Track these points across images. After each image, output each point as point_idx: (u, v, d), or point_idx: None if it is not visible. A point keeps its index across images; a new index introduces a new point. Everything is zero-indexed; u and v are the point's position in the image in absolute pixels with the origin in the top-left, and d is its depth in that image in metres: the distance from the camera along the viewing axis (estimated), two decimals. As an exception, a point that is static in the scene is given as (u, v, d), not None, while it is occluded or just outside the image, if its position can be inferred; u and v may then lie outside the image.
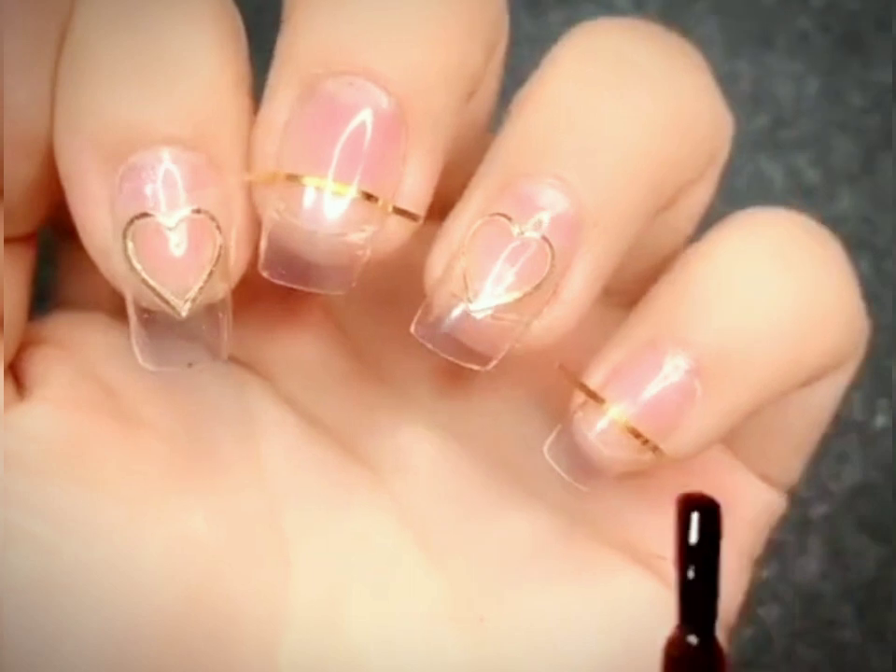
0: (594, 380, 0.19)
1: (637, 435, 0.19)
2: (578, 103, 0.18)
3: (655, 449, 0.19)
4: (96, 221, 0.17)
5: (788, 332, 0.19)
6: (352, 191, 0.17)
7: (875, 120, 0.33)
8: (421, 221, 0.18)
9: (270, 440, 0.21)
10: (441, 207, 0.19)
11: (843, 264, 0.20)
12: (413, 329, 0.18)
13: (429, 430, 0.22)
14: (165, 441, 0.20)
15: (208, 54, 0.17)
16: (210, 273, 0.17)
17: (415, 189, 0.18)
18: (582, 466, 0.19)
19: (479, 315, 0.18)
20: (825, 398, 0.21)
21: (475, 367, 0.18)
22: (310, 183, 0.17)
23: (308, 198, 0.17)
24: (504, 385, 0.23)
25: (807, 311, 0.19)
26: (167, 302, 0.17)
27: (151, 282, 0.17)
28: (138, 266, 0.17)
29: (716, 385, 0.19)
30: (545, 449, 0.20)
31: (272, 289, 0.18)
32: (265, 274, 0.18)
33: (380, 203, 0.17)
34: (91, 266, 0.20)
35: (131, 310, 0.17)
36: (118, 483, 0.19)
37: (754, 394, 0.19)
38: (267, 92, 0.18)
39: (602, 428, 0.19)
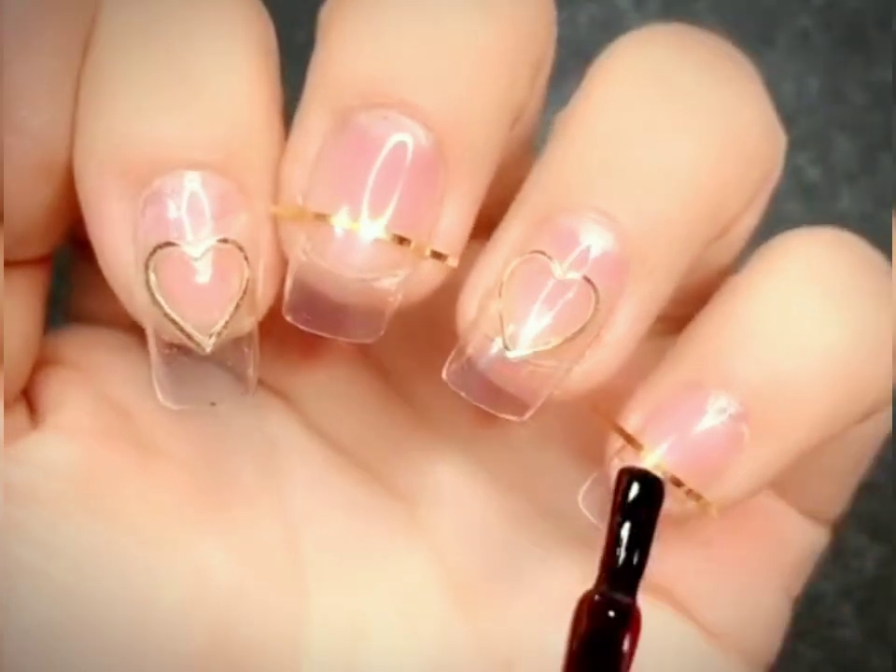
0: (632, 423, 0.18)
1: (679, 483, 0.17)
2: (624, 131, 0.17)
3: (698, 498, 0.18)
4: (117, 249, 0.16)
5: (841, 372, 0.17)
6: (383, 234, 0.16)
7: (876, 119, 0.33)
8: (456, 264, 0.17)
9: (292, 468, 0.20)
10: (480, 226, 0.17)
11: (893, 293, 0.18)
12: (444, 374, 0.17)
13: (461, 464, 0.21)
14: (183, 471, 0.19)
15: (239, 72, 0.16)
16: (237, 307, 0.16)
17: (452, 231, 0.16)
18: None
19: (516, 360, 0.16)
20: (874, 430, 0.20)
21: (511, 417, 0.17)
22: (338, 224, 0.16)
23: (336, 240, 0.16)
24: (542, 421, 0.21)
25: (861, 348, 0.18)
26: (190, 337, 0.16)
27: (174, 315, 0.16)
28: (160, 299, 0.16)
29: (765, 430, 0.17)
30: (579, 498, 0.18)
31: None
32: (289, 318, 0.17)
33: (413, 246, 0.16)
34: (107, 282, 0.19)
35: (152, 344, 0.16)
36: (135, 518, 0.18)
37: (805, 438, 0.18)
38: (298, 119, 0.17)
39: None
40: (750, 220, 0.19)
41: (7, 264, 0.17)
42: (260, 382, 0.21)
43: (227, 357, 0.16)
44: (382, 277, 0.16)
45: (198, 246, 0.16)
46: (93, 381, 0.19)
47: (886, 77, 0.34)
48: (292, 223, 0.16)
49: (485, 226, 0.17)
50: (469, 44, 0.16)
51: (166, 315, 0.16)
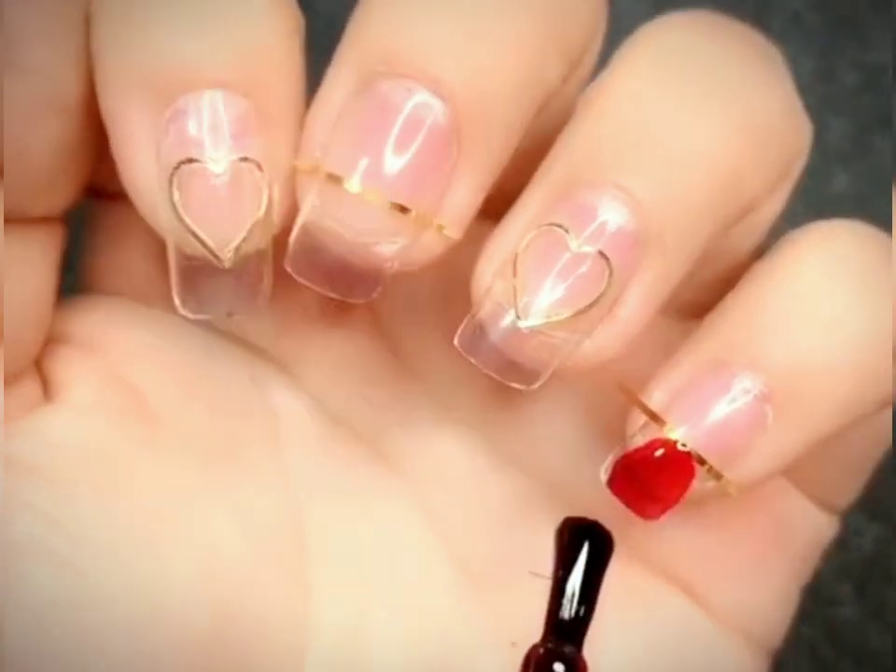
0: (655, 400, 0.18)
1: (701, 461, 0.18)
2: (647, 110, 0.17)
3: (719, 477, 0.18)
4: (141, 164, 0.16)
5: (865, 358, 0.18)
6: (386, 202, 0.16)
7: (870, 100, 0.33)
8: (458, 239, 0.17)
9: (296, 442, 0.21)
10: (495, 207, 0.18)
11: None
12: (455, 340, 0.17)
13: (468, 439, 0.21)
14: (190, 445, 0.19)
15: (266, 3, 0.16)
16: (255, 223, 0.17)
17: (458, 205, 0.17)
18: (644, 494, 0.18)
19: (527, 331, 0.17)
20: (888, 422, 0.20)
21: (519, 386, 0.17)
22: (346, 186, 0.16)
23: (342, 201, 0.16)
24: (554, 397, 0.21)
25: (885, 335, 0.18)
26: (211, 251, 0.16)
27: (196, 230, 0.16)
28: (183, 214, 0.16)
29: (788, 412, 0.17)
30: (602, 474, 0.18)
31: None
32: (289, 269, 0.17)
33: (414, 215, 0.16)
34: (120, 238, 0.19)
35: (172, 257, 0.17)
36: (143, 495, 0.18)
37: (827, 422, 0.18)
38: (328, 75, 0.17)
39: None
40: (773, 207, 0.19)
41: (21, 221, 0.17)
42: (264, 353, 0.21)
43: (243, 271, 0.17)
44: (381, 242, 0.16)
45: (219, 163, 0.16)
46: (104, 358, 0.19)
47: (879, 58, 0.34)
48: (307, 176, 0.17)
49: (505, 208, 0.18)
50: (497, 20, 0.16)
51: (188, 229, 0.16)
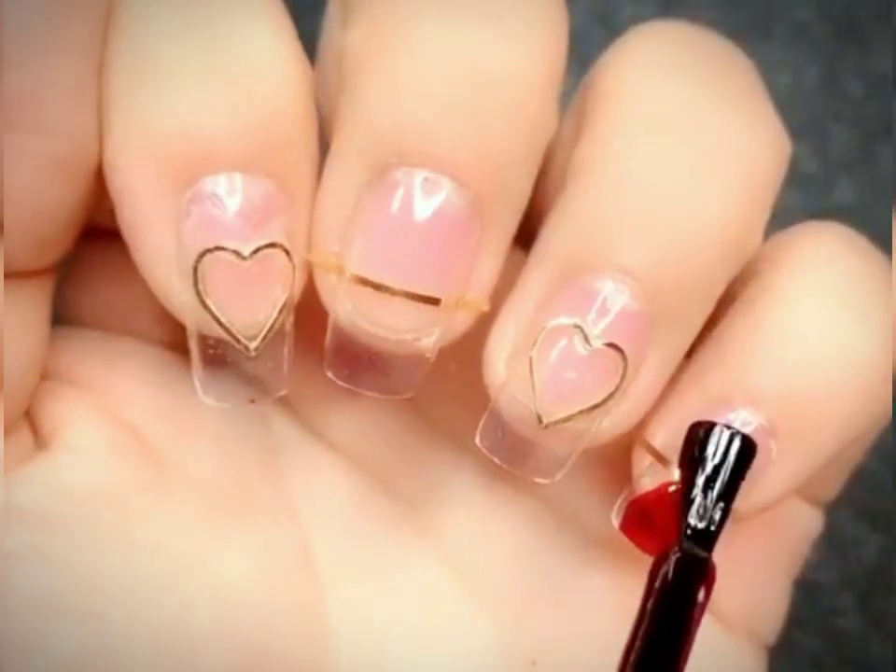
0: (659, 440, 0.18)
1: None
2: (640, 180, 0.16)
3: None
4: (160, 247, 0.16)
5: (865, 382, 0.18)
6: (425, 297, 0.16)
7: (874, 109, 0.33)
8: (488, 308, 0.17)
9: (298, 476, 0.20)
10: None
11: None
12: (477, 439, 0.17)
13: (472, 469, 0.21)
14: (197, 485, 0.19)
15: (284, 62, 0.16)
16: (280, 309, 0.16)
17: (486, 281, 0.17)
18: (655, 535, 0.18)
19: (549, 428, 0.17)
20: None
21: (542, 480, 0.17)
22: (381, 289, 0.16)
23: (377, 304, 0.16)
24: None
25: (881, 357, 0.18)
26: (237, 340, 0.16)
27: (222, 318, 0.16)
28: (209, 302, 0.16)
29: (791, 443, 0.18)
30: (613, 517, 0.19)
31: (313, 319, 0.17)
32: (329, 374, 0.17)
33: (451, 303, 0.16)
34: (114, 283, 0.19)
35: (193, 343, 0.16)
36: (155, 538, 0.18)
37: (829, 447, 0.18)
38: (332, 163, 0.16)
39: None
40: (763, 231, 0.19)
41: (19, 275, 0.17)
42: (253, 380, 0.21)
43: (267, 356, 0.16)
44: (421, 336, 0.16)
45: (246, 250, 0.16)
46: (96, 397, 0.19)
47: (883, 67, 0.34)
48: (328, 274, 0.16)
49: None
50: (505, 92, 0.16)
51: (214, 317, 0.16)
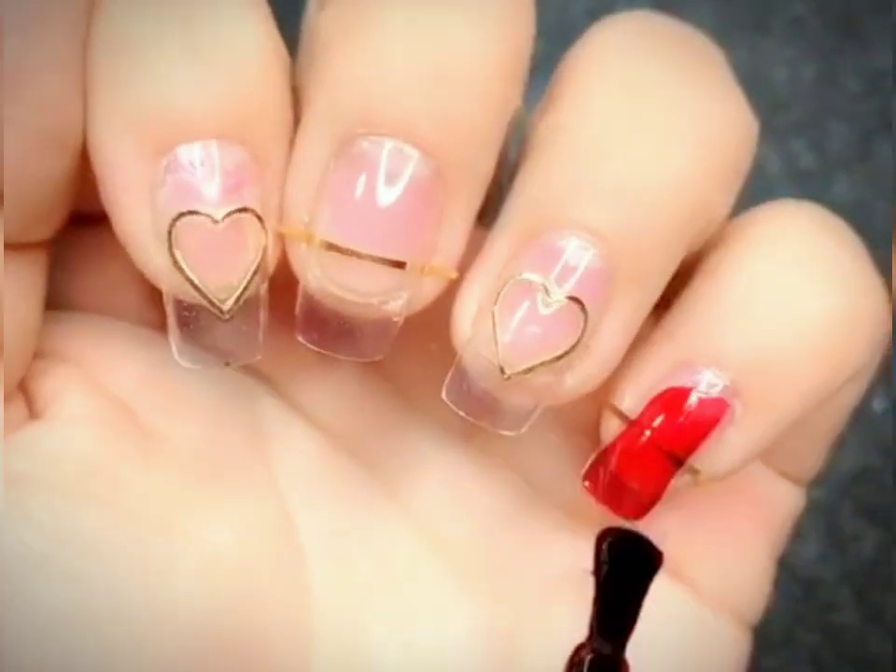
0: (626, 404, 0.18)
1: (676, 460, 0.18)
2: (603, 144, 0.17)
3: (695, 472, 0.18)
4: (137, 213, 0.16)
5: (827, 343, 0.18)
6: (389, 261, 0.16)
7: (872, 105, 0.33)
8: (455, 276, 0.17)
9: (282, 454, 0.21)
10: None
11: (870, 266, 0.19)
12: (443, 394, 0.18)
13: (449, 444, 0.21)
14: (183, 455, 0.19)
15: (257, 38, 0.17)
16: (254, 272, 0.17)
17: (452, 248, 0.17)
18: (622, 494, 0.19)
19: (512, 379, 0.17)
20: (849, 394, 0.21)
21: (507, 432, 0.18)
22: (349, 254, 0.16)
23: (344, 268, 0.17)
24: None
25: (845, 318, 0.18)
26: (211, 302, 0.17)
27: (196, 280, 0.16)
28: (183, 265, 0.16)
29: (755, 404, 0.18)
30: (582, 478, 0.19)
31: (289, 294, 0.18)
32: (301, 339, 0.17)
33: (414, 266, 0.17)
34: (98, 259, 0.19)
35: (169, 307, 0.17)
36: (141, 505, 0.18)
37: (794, 410, 0.18)
38: (301, 137, 0.17)
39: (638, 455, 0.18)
40: (728, 203, 0.19)
41: (12, 247, 0.17)
42: (247, 366, 0.21)
43: (241, 320, 0.17)
44: (389, 300, 0.17)
45: (219, 214, 0.16)
46: (87, 372, 0.19)
47: (881, 62, 0.34)
48: (299, 243, 0.17)
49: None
50: (466, 65, 0.16)
51: (188, 279, 0.16)
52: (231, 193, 0.16)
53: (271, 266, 0.17)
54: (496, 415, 0.18)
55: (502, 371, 0.17)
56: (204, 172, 0.16)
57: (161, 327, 0.20)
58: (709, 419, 0.18)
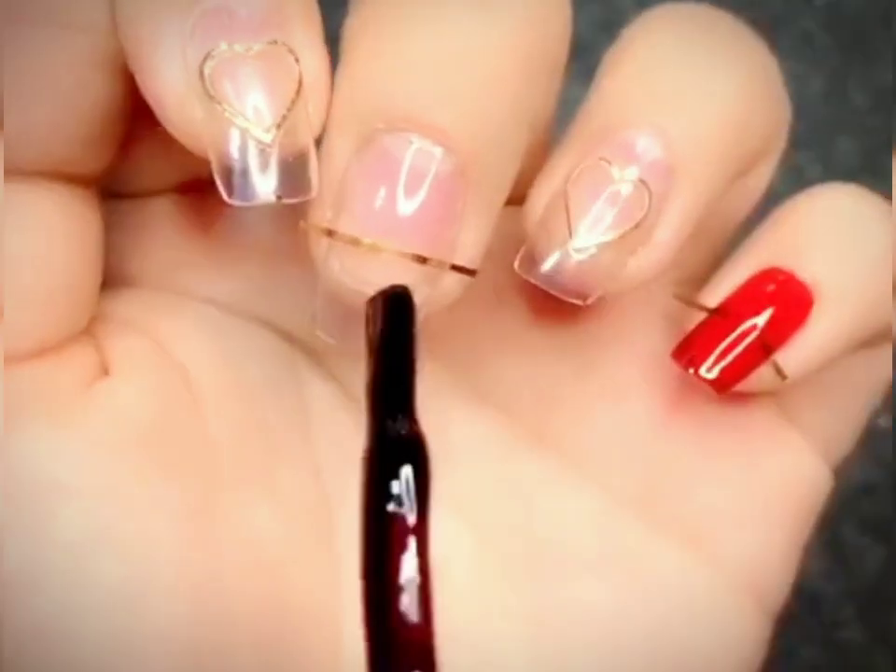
0: (712, 300, 0.20)
1: (767, 346, 0.20)
2: (670, 64, 0.19)
3: (779, 371, 0.20)
4: (168, 67, 0.16)
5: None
6: (411, 256, 0.17)
7: (878, 120, 0.33)
8: (476, 275, 0.18)
9: (325, 432, 0.21)
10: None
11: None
12: (516, 266, 0.19)
13: (498, 433, 0.22)
14: (231, 429, 0.19)
15: None
16: (293, 102, 0.17)
17: (473, 245, 0.17)
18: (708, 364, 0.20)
19: (579, 254, 0.18)
20: (876, 366, 0.22)
21: (576, 301, 0.19)
22: (371, 249, 0.17)
23: (364, 262, 0.17)
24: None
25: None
26: (251, 134, 0.16)
27: (233, 114, 0.16)
28: (218, 100, 0.16)
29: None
30: (672, 354, 0.20)
31: None
32: (320, 333, 0.18)
33: (435, 263, 0.17)
34: (140, 236, 0.19)
35: (214, 159, 0.17)
36: (192, 473, 0.18)
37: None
38: (325, 136, 0.17)
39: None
40: (766, 171, 0.21)
41: (65, 177, 0.18)
42: (298, 343, 0.21)
43: (287, 151, 0.17)
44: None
45: (250, 45, 0.16)
46: (153, 337, 0.19)
47: (888, 78, 0.34)
48: (321, 239, 0.17)
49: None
50: (487, 62, 0.17)
51: (226, 112, 0.16)
52: (261, 28, 0.16)
53: (315, 120, 0.17)
54: (564, 288, 0.19)
55: (573, 246, 0.18)
56: (229, 16, 0.16)
57: (222, 299, 0.20)
58: (804, 305, 0.20)
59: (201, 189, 0.20)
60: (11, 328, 0.17)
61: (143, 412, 0.18)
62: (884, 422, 0.34)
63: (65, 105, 0.17)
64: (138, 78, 0.17)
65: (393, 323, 0.16)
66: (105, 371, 0.19)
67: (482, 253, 0.18)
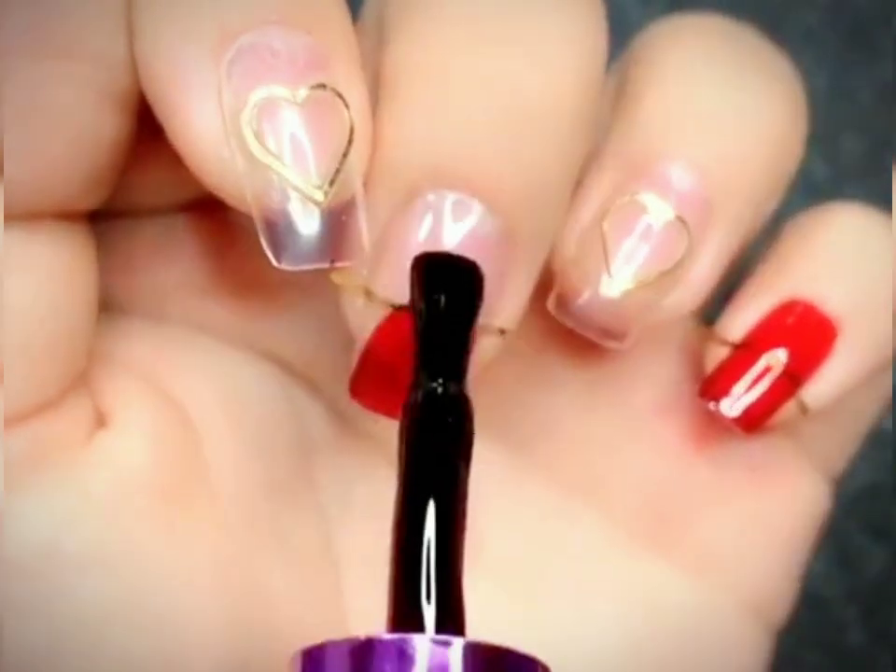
0: (734, 334, 0.20)
1: (794, 378, 0.20)
2: (701, 90, 0.19)
3: (802, 405, 0.20)
4: (203, 112, 0.15)
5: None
6: None
7: (883, 118, 0.33)
8: (513, 333, 0.17)
9: (327, 469, 0.20)
10: None
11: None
12: (549, 306, 0.18)
13: (507, 469, 0.21)
14: (234, 474, 0.19)
15: None
16: (344, 154, 0.15)
17: (514, 308, 0.17)
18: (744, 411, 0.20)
19: (617, 294, 0.18)
20: (876, 387, 0.22)
21: (612, 345, 0.18)
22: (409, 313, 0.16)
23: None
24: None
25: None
26: (300, 190, 0.15)
27: (280, 168, 0.15)
28: (263, 152, 0.15)
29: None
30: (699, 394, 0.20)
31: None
32: (356, 399, 0.17)
33: (478, 329, 0.16)
34: (151, 268, 0.19)
35: (257, 214, 0.15)
36: (201, 530, 0.17)
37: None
38: (366, 184, 0.16)
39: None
40: (777, 199, 0.20)
41: (62, 216, 0.16)
42: (295, 369, 0.20)
43: (340, 209, 0.15)
44: None
45: (296, 94, 0.15)
46: (153, 377, 0.18)
47: (893, 75, 0.34)
48: (357, 299, 0.16)
49: None
50: (537, 119, 0.16)
51: (271, 169, 0.15)
52: (306, 70, 0.15)
53: (363, 163, 0.16)
54: (600, 329, 0.18)
55: (611, 286, 0.18)
56: (274, 51, 0.15)
57: (213, 329, 0.19)
58: (828, 338, 0.20)
59: (195, 212, 0.19)
60: (12, 387, 0.16)
61: (144, 467, 0.17)
62: (887, 423, 0.33)
63: (71, 144, 0.15)
64: (166, 124, 0.15)
65: (429, 288, 0.15)
66: (101, 420, 0.17)
67: (522, 313, 0.17)
